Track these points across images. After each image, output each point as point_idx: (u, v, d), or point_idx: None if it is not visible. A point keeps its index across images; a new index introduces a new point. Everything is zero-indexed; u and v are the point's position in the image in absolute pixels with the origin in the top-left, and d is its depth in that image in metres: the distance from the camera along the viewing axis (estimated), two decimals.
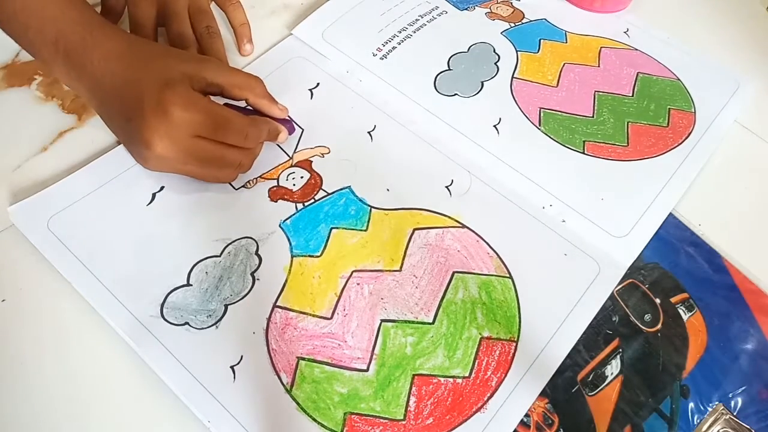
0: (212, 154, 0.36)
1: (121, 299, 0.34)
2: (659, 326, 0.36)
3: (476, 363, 0.33)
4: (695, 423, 0.33)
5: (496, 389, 0.33)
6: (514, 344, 0.34)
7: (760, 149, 0.45)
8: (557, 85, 0.46)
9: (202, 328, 0.33)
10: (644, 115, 0.45)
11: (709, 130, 0.44)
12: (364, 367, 0.33)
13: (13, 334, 0.33)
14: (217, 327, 0.34)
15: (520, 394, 0.33)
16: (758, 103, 0.47)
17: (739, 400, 0.34)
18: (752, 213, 0.41)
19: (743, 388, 0.34)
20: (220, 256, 0.36)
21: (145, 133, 0.33)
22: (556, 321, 0.35)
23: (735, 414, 0.33)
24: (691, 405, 0.33)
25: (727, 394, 0.34)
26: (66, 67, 0.35)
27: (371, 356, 0.33)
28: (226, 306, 0.34)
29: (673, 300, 0.37)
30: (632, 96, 0.46)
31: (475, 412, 0.32)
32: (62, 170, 0.39)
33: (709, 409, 0.33)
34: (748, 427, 0.33)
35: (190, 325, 0.33)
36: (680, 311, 0.37)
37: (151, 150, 0.34)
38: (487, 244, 0.38)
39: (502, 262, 0.37)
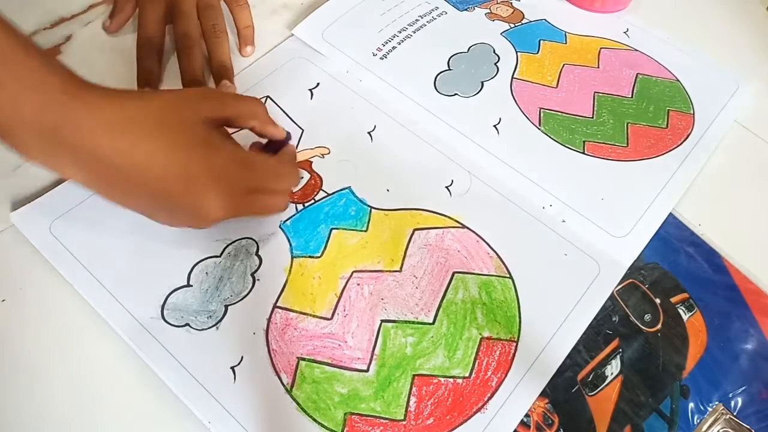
0: (256, 203, 0.35)
1: (122, 301, 0.34)
2: (659, 326, 0.36)
3: (476, 363, 0.33)
4: (695, 423, 0.33)
5: (496, 389, 0.33)
6: (515, 344, 0.34)
7: (759, 149, 0.45)
8: (557, 85, 0.46)
9: (203, 329, 0.33)
10: (643, 117, 0.45)
11: (708, 131, 0.44)
12: (365, 368, 0.33)
13: (13, 335, 0.33)
14: (217, 328, 0.34)
15: (520, 394, 0.33)
16: (758, 103, 0.47)
17: (739, 400, 0.34)
18: (752, 213, 0.41)
19: (743, 388, 0.34)
20: (220, 256, 0.36)
21: (203, 206, 0.31)
22: (556, 321, 0.35)
23: (735, 414, 0.33)
24: (691, 405, 0.33)
25: (727, 394, 0.34)
26: (52, 149, 0.28)
27: (371, 356, 0.33)
28: (226, 307, 0.34)
29: (673, 300, 0.37)
30: (631, 97, 0.46)
31: (476, 413, 0.32)
32: None
33: (709, 409, 0.33)
34: (748, 427, 0.33)
35: (191, 326, 0.33)
36: (680, 311, 0.37)
37: (205, 220, 0.32)
38: (487, 244, 0.38)
39: (503, 262, 0.37)
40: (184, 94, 0.34)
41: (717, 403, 0.34)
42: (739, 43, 0.52)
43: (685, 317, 0.36)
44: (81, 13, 0.48)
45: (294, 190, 0.39)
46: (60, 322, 0.34)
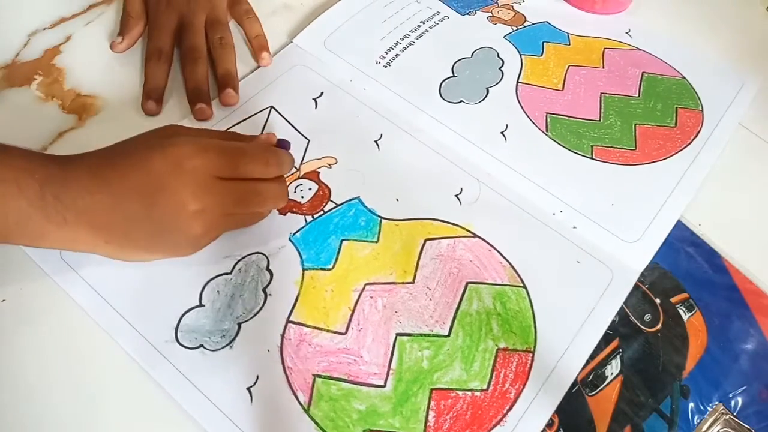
0: (244, 191, 0.34)
1: (134, 324, 0.33)
2: (659, 326, 0.36)
3: (494, 375, 0.33)
4: (695, 423, 0.33)
5: (515, 401, 0.32)
6: (531, 355, 0.34)
7: (759, 149, 0.45)
8: (563, 88, 0.46)
9: (217, 350, 0.33)
10: (651, 116, 0.44)
11: (717, 128, 0.44)
12: (381, 383, 0.33)
13: (14, 335, 0.33)
14: (231, 347, 0.33)
15: (539, 404, 0.32)
16: (758, 103, 0.47)
17: (739, 400, 0.34)
18: (752, 213, 0.41)
19: (743, 388, 0.34)
20: (231, 273, 0.36)
21: (175, 204, 0.31)
22: (571, 329, 0.35)
23: (735, 414, 0.33)
24: (691, 405, 0.33)
25: (727, 394, 0.34)
26: (58, 218, 0.30)
27: (388, 371, 0.33)
28: (239, 324, 0.34)
29: (673, 300, 0.37)
30: (638, 96, 0.45)
31: (495, 425, 0.32)
32: None
33: (709, 409, 0.33)
34: (748, 427, 0.33)
35: (205, 348, 0.33)
36: (680, 311, 0.37)
37: (187, 214, 0.32)
38: (499, 253, 0.37)
39: (515, 271, 0.37)
40: (157, 129, 0.35)
41: (717, 403, 0.34)
42: (739, 43, 0.51)
43: (685, 317, 0.36)
44: (81, 13, 0.47)
45: (303, 202, 0.39)
46: (60, 322, 0.33)
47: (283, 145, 0.38)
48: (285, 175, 0.38)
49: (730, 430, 0.33)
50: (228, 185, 0.33)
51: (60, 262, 0.35)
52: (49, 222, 0.30)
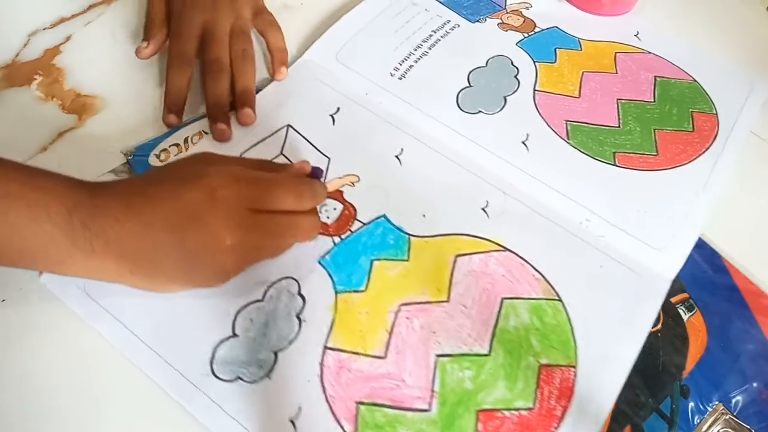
0: (277, 224, 0.33)
1: (167, 358, 0.32)
2: (659, 326, 0.36)
3: (538, 392, 0.33)
4: (695, 423, 0.33)
5: (562, 418, 0.32)
6: (573, 369, 0.34)
7: (759, 149, 0.45)
8: (579, 95, 0.45)
9: (255, 381, 0.32)
10: (668, 121, 0.44)
11: (733, 131, 0.44)
12: (426, 407, 0.32)
13: (13, 335, 0.32)
14: (270, 377, 0.32)
15: (586, 421, 0.32)
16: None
17: (739, 400, 0.34)
18: (752, 213, 0.42)
19: (743, 388, 0.34)
20: (262, 300, 0.35)
21: (209, 236, 0.31)
22: (611, 341, 0.35)
23: (735, 414, 0.33)
24: (691, 405, 0.33)
25: (727, 394, 0.34)
26: (86, 247, 0.29)
27: (431, 394, 0.32)
28: (275, 353, 0.33)
29: (673, 300, 0.37)
30: (654, 101, 0.46)
31: None
32: (62, 171, 0.38)
33: (709, 409, 0.33)
34: (748, 427, 0.33)
35: (242, 379, 0.32)
36: (680, 311, 0.37)
37: (221, 248, 0.31)
38: (531, 266, 0.37)
39: (549, 284, 0.37)
40: (190, 157, 0.35)
41: (717, 403, 0.34)
42: (742, 42, 0.52)
43: (685, 317, 0.36)
44: (81, 13, 0.47)
45: (330, 223, 0.38)
46: (61, 323, 0.33)
47: (316, 173, 0.37)
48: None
49: (730, 430, 0.33)
50: (261, 218, 0.32)
51: (82, 295, 0.33)
52: (76, 249, 0.29)
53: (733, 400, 0.34)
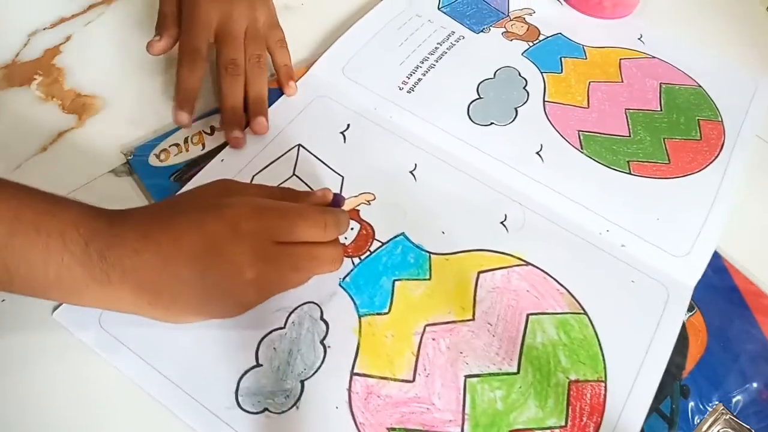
0: (300, 256, 0.33)
1: (190, 392, 0.31)
2: None
3: (570, 410, 0.33)
4: (695, 423, 0.33)
5: None
6: (603, 384, 0.33)
7: (759, 149, 0.45)
8: (588, 105, 0.45)
9: (283, 411, 0.31)
10: (677, 130, 0.45)
11: (740, 137, 0.45)
12: (458, 430, 0.32)
13: (13, 335, 0.32)
14: (297, 407, 0.31)
15: None
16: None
17: (739, 400, 0.34)
18: (752, 213, 0.42)
19: (743, 388, 0.34)
20: (284, 327, 0.34)
21: (230, 269, 0.30)
22: (639, 353, 0.34)
23: (735, 414, 0.34)
24: (691, 405, 0.33)
25: (727, 394, 0.34)
26: (102, 278, 0.28)
27: (463, 417, 0.32)
28: (302, 382, 0.32)
29: None
30: (661, 111, 0.46)
31: None
32: (62, 171, 0.39)
33: (709, 409, 0.33)
34: (748, 427, 0.33)
35: (270, 411, 0.31)
36: None
37: (243, 281, 0.31)
38: (555, 279, 0.37)
39: (574, 297, 0.36)
40: (210, 185, 0.34)
41: (717, 403, 0.34)
42: (744, 42, 0.52)
43: (685, 317, 0.36)
44: (81, 13, 0.47)
45: (348, 243, 0.37)
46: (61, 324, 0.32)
47: (338, 201, 0.36)
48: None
49: (730, 430, 0.33)
50: (284, 251, 0.32)
51: (99, 330, 0.32)
52: (93, 280, 0.29)
53: (733, 400, 0.34)
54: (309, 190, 0.39)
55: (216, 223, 0.30)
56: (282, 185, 0.39)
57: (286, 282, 0.34)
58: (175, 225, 0.30)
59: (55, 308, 0.33)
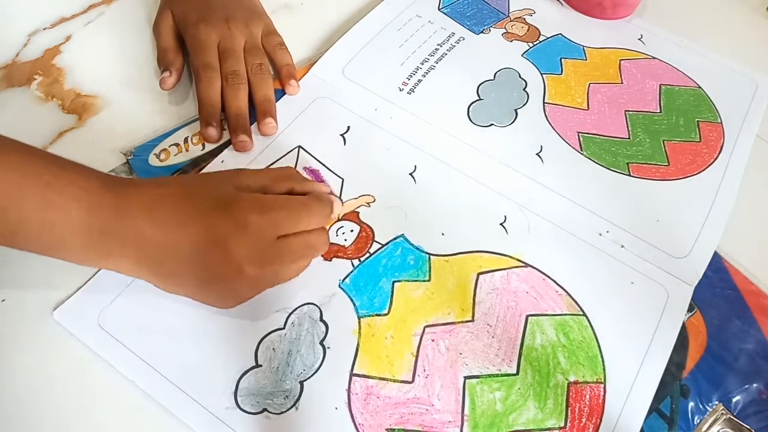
0: (299, 247, 0.33)
1: (190, 392, 0.31)
2: None
3: (569, 411, 0.33)
4: (695, 423, 0.33)
5: None
6: (602, 386, 0.33)
7: (759, 149, 0.45)
8: (588, 107, 0.45)
9: (282, 412, 0.31)
10: (676, 131, 0.45)
11: (739, 138, 0.45)
12: (458, 431, 0.32)
13: (13, 335, 0.32)
14: (296, 408, 0.31)
15: None
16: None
17: (739, 400, 0.34)
18: (752, 213, 0.42)
19: (743, 388, 0.34)
20: (284, 328, 0.34)
21: (231, 264, 0.31)
22: (638, 354, 0.34)
23: (735, 414, 0.34)
24: (691, 405, 0.34)
25: (727, 394, 0.34)
26: (102, 245, 0.30)
27: (462, 418, 0.32)
28: (301, 383, 0.32)
29: None
30: (660, 112, 0.46)
31: None
32: None
33: (709, 409, 0.33)
34: (748, 427, 0.33)
35: (269, 411, 0.31)
36: None
37: (242, 278, 0.31)
38: (554, 281, 0.37)
39: (573, 299, 0.36)
40: (220, 172, 0.36)
41: (717, 403, 0.34)
42: (745, 42, 0.52)
43: (685, 317, 0.36)
44: (81, 13, 0.48)
45: (347, 245, 0.37)
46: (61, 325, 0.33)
47: (318, 177, 0.38)
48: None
49: (730, 430, 0.33)
50: (285, 245, 0.33)
51: (98, 331, 0.32)
52: (91, 251, 0.30)
53: (733, 400, 0.34)
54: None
55: (224, 218, 0.31)
56: None
57: (285, 275, 0.34)
58: (182, 209, 0.31)
59: (55, 308, 0.33)
